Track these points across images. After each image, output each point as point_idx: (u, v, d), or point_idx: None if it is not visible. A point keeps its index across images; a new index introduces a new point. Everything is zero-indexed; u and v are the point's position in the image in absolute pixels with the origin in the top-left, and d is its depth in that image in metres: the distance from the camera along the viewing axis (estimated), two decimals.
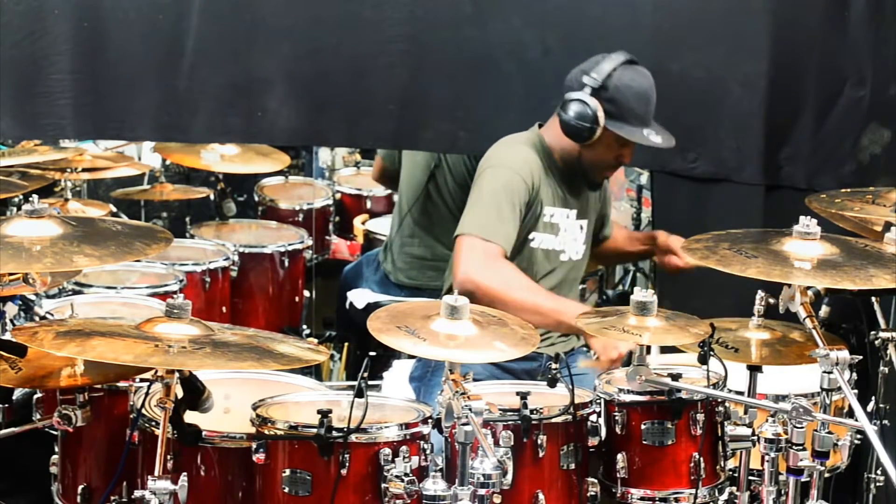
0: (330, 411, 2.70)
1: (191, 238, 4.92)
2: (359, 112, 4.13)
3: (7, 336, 2.90)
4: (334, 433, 2.68)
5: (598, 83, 3.44)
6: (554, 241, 3.57)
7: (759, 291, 3.03)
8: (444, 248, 4.23)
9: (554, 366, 2.92)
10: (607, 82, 3.44)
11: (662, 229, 4.38)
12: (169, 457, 2.60)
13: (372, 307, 3.98)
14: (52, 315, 3.25)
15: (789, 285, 2.81)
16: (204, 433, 2.71)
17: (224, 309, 4.58)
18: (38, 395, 3.09)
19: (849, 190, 3.43)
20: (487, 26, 3.96)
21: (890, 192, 3.23)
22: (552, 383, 2.93)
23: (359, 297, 4.57)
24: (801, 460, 2.76)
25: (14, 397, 3.09)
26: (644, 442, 2.97)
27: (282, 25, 4.00)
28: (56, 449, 3.07)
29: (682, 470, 2.97)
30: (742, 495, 3.03)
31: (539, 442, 2.87)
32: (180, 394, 2.62)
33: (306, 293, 5.01)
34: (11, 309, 3.06)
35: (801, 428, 2.76)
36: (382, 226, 5.21)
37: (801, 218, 2.87)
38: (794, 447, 2.77)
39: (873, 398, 3.34)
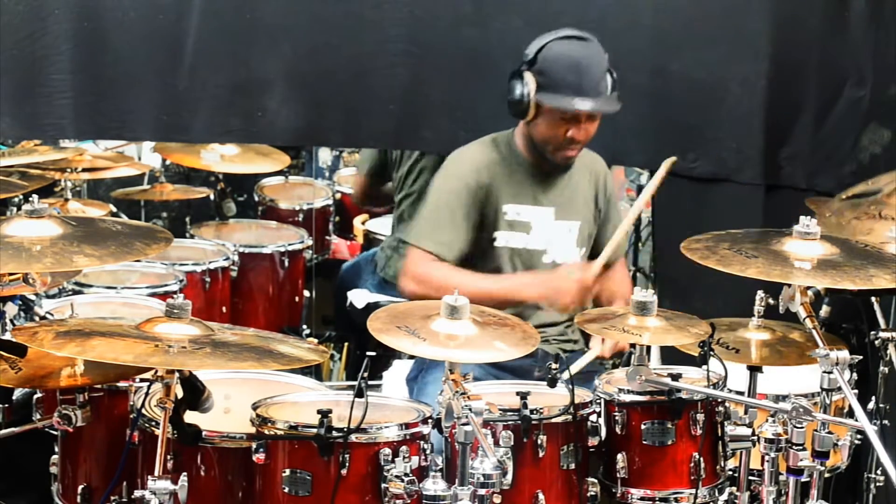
0: (330, 411, 2.70)
1: (191, 238, 4.92)
2: (359, 112, 4.14)
3: (7, 336, 2.90)
4: (334, 433, 2.68)
5: (529, 56, 3.44)
6: (526, 240, 3.55)
7: (759, 292, 3.03)
8: None
9: (554, 366, 2.92)
10: (538, 55, 3.43)
11: (662, 229, 4.39)
12: (169, 457, 2.60)
13: (372, 307, 3.99)
14: (52, 315, 3.25)
15: (789, 285, 2.81)
16: (204, 433, 2.71)
17: (224, 309, 4.58)
18: (38, 395, 3.09)
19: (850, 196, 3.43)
20: (487, 26, 3.97)
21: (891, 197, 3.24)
22: (552, 383, 2.93)
23: (358, 298, 4.57)
24: (801, 460, 2.76)
25: (14, 397, 3.10)
26: (644, 442, 2.97)
27: (282, 25, 4.01)
28: (56, 449, 3.06)
29: (682, 470, 2.97)
30: (742, 495, 3.04)
31: (539, 442, 2.87)
32: (180, 394, 2.62)
33: (306, 293, 5.01)
34: (11, 309, 3.06)
35: (801, 428, 2.76)
36: (382, 226, 5.21)
37: (801, 218, 2.87)
38: (794, 447, 2.77)
39: (873, 398, 3.34)
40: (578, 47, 3.44)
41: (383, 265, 4.52)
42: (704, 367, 2.94)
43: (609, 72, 3.47)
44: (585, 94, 3.40)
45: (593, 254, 3.69)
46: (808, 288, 2.84)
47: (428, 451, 2.80)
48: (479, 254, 3.52)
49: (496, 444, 2.78)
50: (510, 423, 2.84)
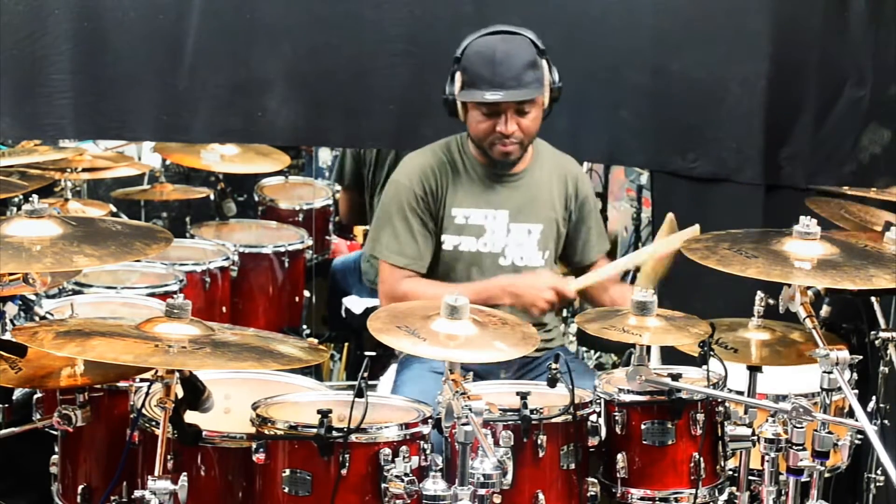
0: (330, 411, 2.70)
1: (191, 238, 4.92)
2: (359, 112, 4.14)
3: (7, 336, 2.90)
4: (334, 433, 2.68)
5: (458, 54, 3.45)
6: (476, 244, 3.54)
7: (759, 292, 3.03)
8: None
9: (554, 366, 2.93)
10: (462, 53, 3.44)
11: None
12: (169, 457, 2.60)
13: (370, 311, 3.99)
14: (52, 315, 3.25)
15: (789, 285, 2.81)
16: (204, 433, 2.71)
17: (224, 309, 4.58)
18: (38, 395, 3.09)
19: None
20: (487, 26, 3.96)
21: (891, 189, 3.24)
22: (552, 383, 2.93)
23: (354, 303, 4.57)
24: (801, 460, 2.77)
25: (14, 397, 3.09)
26: (644, 442, 2.97)
27: (282, 25, 4.01)
28: (56, 449, 3.06)
29: (682, 470, 2.97)
30: (742, 495, 3.04)
31: (539, 442, 2.87)
32: (180, 394, 2.62)
33: (306, 293, 5.01)
34: (11, 309, 3.06)
35: (801, 428, 2.76)
36: None
37: (801, 218, 2.87)
38: (794, 447, 2.77)
39: (873, 398, 3.34)
40: (499, 41, 3.43)
41: (372, 277, 4.52)
42: (704, 367, 2.94)
43: (540, 63, 3.43)
44: (499, 86, 3.37)
45: (567, 257, 3.69)
46: (808, 288, 2.84)
47: (428, 451, 2.80)
48: (433, 256, 3.54)
49: (496, 444, 2.78)
50: (510, 423, 2.84)
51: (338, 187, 5.69)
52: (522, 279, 3.46)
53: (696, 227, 3.35)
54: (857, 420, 2.72)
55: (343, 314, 4.66)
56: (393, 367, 3.78)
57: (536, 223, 3.57)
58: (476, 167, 3.56)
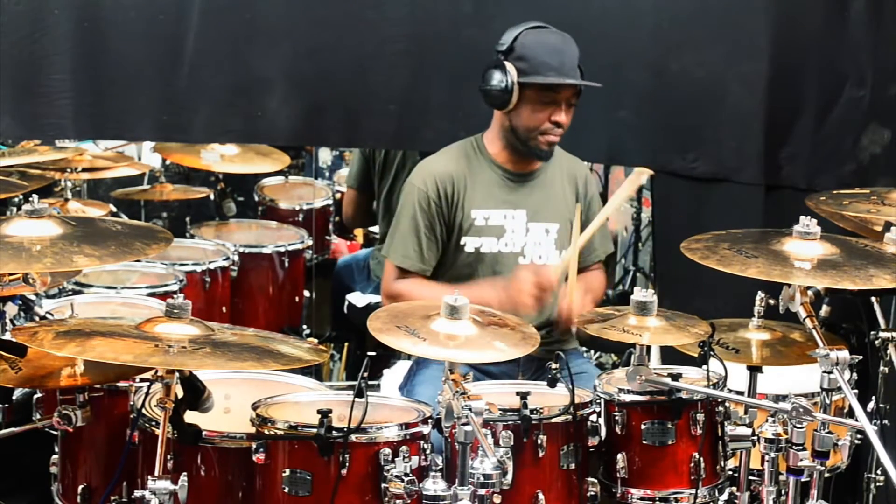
0: (330, 411, 2.70)
1: (191, 238, 4.92)
2: (359, 112, 4.14)
3: (7, 336, 2.90)
4: (334, 433, 2.69)
5: (505, 46, 3.47)
6: (497, 244, 3.53)
7: (759, 292, 3.03)
8: None
9: (554, 366, 2.93)
10: (514, 44, 3.46)
11: (662, 229, 4.38)
12: (169, 457, 2.60)
13: (373, 307, 3.99)
14: (52, 315, 3.25)
15: (789, 285, 2.81)
16: (204, 433, 2.71)
17: (224, 309, 4.59)
18: (38, 395, 3.09)
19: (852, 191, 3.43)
20: (487, 26, 3.96)
21: (890, 192, 3.23)
22: (552, 383, 2.93)
23: (358, 298, 4.57)
24: (801, 460, 2.77)
25: (14, 397, 3.09)
26: (644, 442, 2.97)
27: (282, 25, 4.01)
28: (56, 449, 3.07)
29: (682, 470, 2.97)
30: (742, 495, 3.04)
31: (539, 442, 2.87)
32: (180, 394, 2.62)
33: (306, 293, 5.02)
34: (11, 309, 3.06)
35: (801, 428, 2.76)
36: None
37: (801, 218, 2.87)
38: (794, 447, 2.77)
39: (873, 398, 3.34)
40: (554, 35, 3.49)
41: (378, 273, 4.52)
42: (704, 367, 2.94)
43: (579, 66, 3.49)
44: (565, 74, 3.43)
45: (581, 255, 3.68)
46: (808, 288, 2.84)
47: (428, 451, 2.80)
48: (450, 261, 3.54)
49: (496, 444, 2.78)
50: (510, 423, 2.84)
51: (338, 186, 5.71)
52: (507, 281, 3.44)
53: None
54: (857, 420, 2.72)
55: (345, 310, 4.66)
56: (398, 365, 3.79)
57: (553, 222, 3.58)
58: (493, 168, 3.56)
